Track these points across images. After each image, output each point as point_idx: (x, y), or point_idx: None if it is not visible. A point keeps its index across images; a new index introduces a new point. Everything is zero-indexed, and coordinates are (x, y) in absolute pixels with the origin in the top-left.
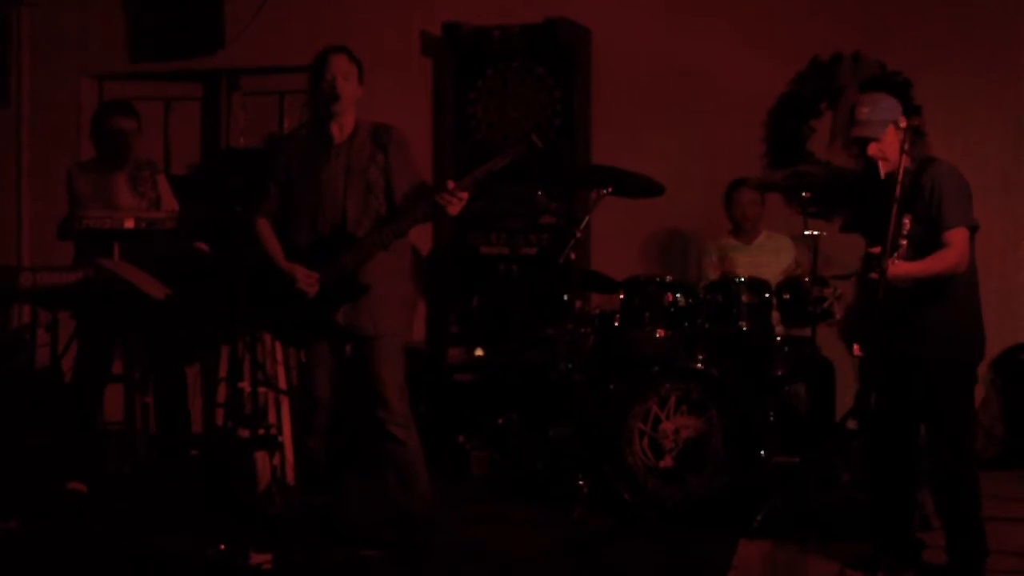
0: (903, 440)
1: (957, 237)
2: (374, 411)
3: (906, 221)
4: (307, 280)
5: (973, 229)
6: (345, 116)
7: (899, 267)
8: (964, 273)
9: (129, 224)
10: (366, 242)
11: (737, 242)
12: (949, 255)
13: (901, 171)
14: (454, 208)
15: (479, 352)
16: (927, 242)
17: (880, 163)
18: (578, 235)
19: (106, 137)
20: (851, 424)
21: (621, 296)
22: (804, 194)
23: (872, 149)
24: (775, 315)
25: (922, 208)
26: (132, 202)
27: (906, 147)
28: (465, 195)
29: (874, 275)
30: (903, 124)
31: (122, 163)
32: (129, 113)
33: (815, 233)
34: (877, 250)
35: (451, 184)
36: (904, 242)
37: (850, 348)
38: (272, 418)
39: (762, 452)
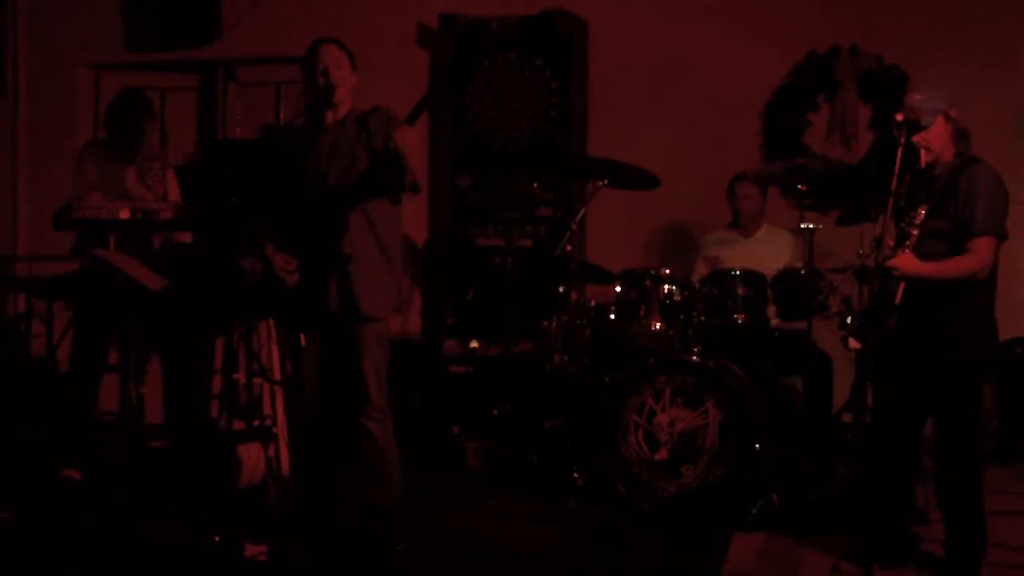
0: (906, 434)
1: (981, 245)
2: (351, 402)
3: (921, 211)
4: (284, 267)
5: (1001, 237)
6: (342, 105)
7: (911, 264)
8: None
9: (124, 215)
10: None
11: (735, 234)
12: (968, 261)
13: (918, 162)
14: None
15: (474, 344)
16: (958, 240)
17: (922, 152)
18: (574, 227)
19: (119, 128)
20: (847, 417)
21: (617, 288)
22: (800, 187)
23: (917, 136)
24: (771, 308)
25: (955, 206)
26: (139, 193)
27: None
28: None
29: (880, 260)
30: (953, 115)
31: (134, 154)
32: (143, 104)
33: (811, 226)
34: (892, 243)
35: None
36: (915, 232)
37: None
38: (267, 409)
39: (757, 445)
